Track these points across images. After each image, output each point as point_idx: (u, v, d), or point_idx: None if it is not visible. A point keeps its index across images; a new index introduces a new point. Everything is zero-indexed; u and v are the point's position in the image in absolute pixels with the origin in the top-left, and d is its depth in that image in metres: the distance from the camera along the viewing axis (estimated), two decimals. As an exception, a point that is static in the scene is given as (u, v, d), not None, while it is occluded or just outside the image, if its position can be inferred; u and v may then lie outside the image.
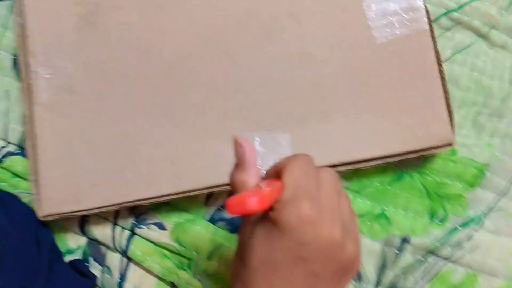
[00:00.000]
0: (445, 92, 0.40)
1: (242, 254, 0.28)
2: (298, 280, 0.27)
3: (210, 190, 0.39)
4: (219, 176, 0.38)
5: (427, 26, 0.40)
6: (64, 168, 0.39)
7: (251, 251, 0.27)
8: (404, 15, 0.40)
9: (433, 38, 0.40)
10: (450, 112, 0.40)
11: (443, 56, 0.43)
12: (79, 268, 0.41)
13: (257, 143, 0.39)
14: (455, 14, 0.43)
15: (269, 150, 0.39)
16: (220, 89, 0.40)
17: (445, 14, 0.43)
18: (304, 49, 0.40)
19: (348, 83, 0.40)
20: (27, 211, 0.40)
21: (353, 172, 0.41)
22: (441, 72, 0.40)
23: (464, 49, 0.43)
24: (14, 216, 0.39)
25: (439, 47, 0.43)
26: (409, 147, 0.39)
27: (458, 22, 0.43)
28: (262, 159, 0.39)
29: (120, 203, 0.39)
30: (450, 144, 0.39)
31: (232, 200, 0.24)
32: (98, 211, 0.39)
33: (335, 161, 0.39)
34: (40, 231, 0.40)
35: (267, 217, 0.27)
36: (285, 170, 0.27)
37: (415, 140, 0.39)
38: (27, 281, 0.36)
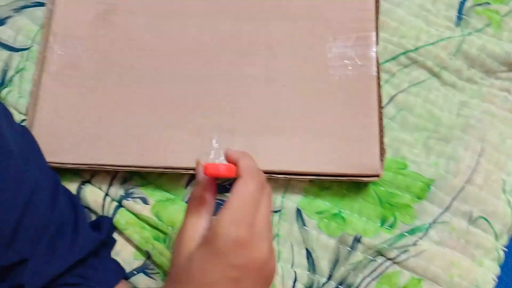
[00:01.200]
0: (381, 131, 0.47)
1: (179, 278, 0.32)
2: None
3: (169, 170, 0.45)
4: (177, 159, 0.45)
5: (375, 74, 0.48)
6: (54, 126, 0.47)
7: (189, 275, 0.31)
8: (358, 61, 0.49)
9: (379, 84, 0.48)
10: (382, 149, 0.46)
11: (401, 88, 0.51)
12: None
13: (214, 140, 0.46)
14: (412, 54, 0.51)
15: (221, 148, 0.46)
16: (195, 92, 0.48)
17: (404, 53, 0.51)
18: (271, 73, 0.48)
19: (301, 107, 0.47)
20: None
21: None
22: (380, 113, 0.47)
23: (419, 83, 0.51)
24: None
25: (397, 81, 0.51)
26: (341, 170, 0.45)
27: (414, 61, 0.51)
28: (215, 154, 0.46)
29: (91, 164, 0.45)
30: (377, 175, 0.45)
31: (210, 164, 0.32)
32: (71, 166, 0.46)
33: (276, 169, 0.45)
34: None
35: (205, 240, 0.31)
36: (240, 174, 0.33)
37: (348, 166, 0.45)
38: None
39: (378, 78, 0.48)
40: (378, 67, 0.48)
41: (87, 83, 0.49)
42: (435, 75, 0.51)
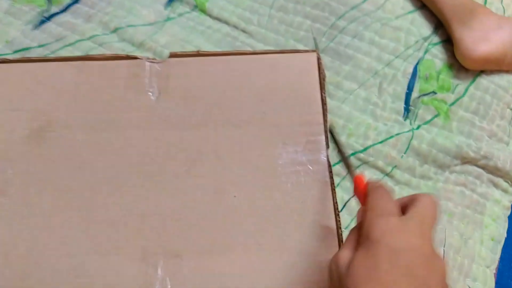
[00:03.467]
0: (340, 241, 0.43)
1: (341, 284, 0.31)
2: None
3: None
4: None
5: (328, 179, 0.45)
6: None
7: (352, 273, 0.30)
8: (310, 166, 0.45)
9: (333, 190, 0.45)
10: None
11: (353, 192, 0.47)
12: None
13: (160, 267, 0.41)
14: (361, 155, 0.49)
15: (169, 276, 0.41)
16: (138, 210, 0.43)
17: (353, 154, 0.49)
18: (220, 183, 0.44)
19: (255, 220, 0.43)
20: None
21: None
22: (337, 221, 0.44)
23: (372, 185, 0.48)
24: None
25: (348, 184, 0.48)
26: None
27: (364, 162, 0.49)
28: (160, 285, 0.40)
29: None
30: None
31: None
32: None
33: None
34: None
35: (361, 238, 0.31)
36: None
37: (309, 283, 0.41)
38: None
39: (332, 183, 0.45)
40: (330, 172, 0.46)
41: (16, 210, 0.43)
42: (388, 175, 0.49)
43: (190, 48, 0.53)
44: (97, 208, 0.43)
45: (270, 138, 0.47)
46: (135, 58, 0.48)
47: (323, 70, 0.48)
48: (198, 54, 0.49)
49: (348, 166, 0.44)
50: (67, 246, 0.42)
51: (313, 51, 0.49)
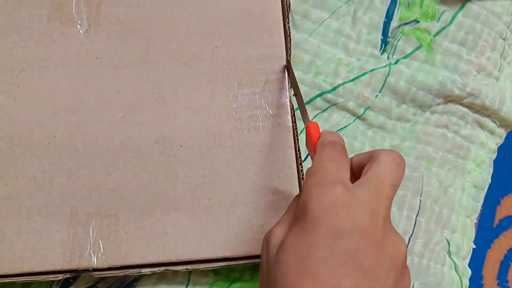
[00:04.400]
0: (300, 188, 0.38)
1: (270, 270, 0.25)
2: (348, 282, 0.22)
3: (32, 278, 0.35)
4: (42, 261, 0.35)
5: (290, 124, 0.39)
6: None
7: (283, 267, 0.24)
8: (269, 110, 0.39)
9: (295, 136, 0.39)
10: None
11: (320, 137, 0.42)
12: None
13: (91, 227, 0.36)
14: (330, 96, 0.42)
15: (102, 238, 0.36)
16: (64, 165, 0.37)
17: (320, 95, 0.42)
18: (164, 132, 0.38)
19: (203, 173, 0.38)
20: None
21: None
22: (299, 172, 0.38)
23: (341, 129, 0.42)
24: None
25: (315, 128, 0.42)
26: (259, 251, 0.36)
27: (333, 103, 0.43)
28: (93, 248, 0.35)
29: None
30: None
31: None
32: None
33: (173, 258, 0.36)
34: None
35: (294, 219, 0.25)
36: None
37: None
38: None
39: (295, 128, 0.39)
40: (293, 116, 0.40)
41: None
42: (360, 117, 0.43)
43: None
44: (14, 161, 0.37)
45: (222, 77, 0.40)
46: None
47: (289, 1, 0.41)
48: None
49: (303, 111, 0.36)
50: None
51: None
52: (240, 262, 0.37)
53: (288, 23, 0.41)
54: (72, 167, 0.37)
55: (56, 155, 0.37)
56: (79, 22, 0.39)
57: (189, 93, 0.39)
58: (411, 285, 0.39)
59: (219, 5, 0.41)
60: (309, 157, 0.42)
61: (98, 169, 0.37)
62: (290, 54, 0.40)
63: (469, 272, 0.43)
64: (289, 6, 0.42)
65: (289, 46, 0.41)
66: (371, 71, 0.43)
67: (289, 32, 0.41)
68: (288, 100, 0.40)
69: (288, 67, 0.40)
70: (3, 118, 0.38)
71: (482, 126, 0.44)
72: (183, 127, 0.38)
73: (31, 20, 0.39)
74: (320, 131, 0.30)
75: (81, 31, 0.39)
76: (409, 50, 0.45)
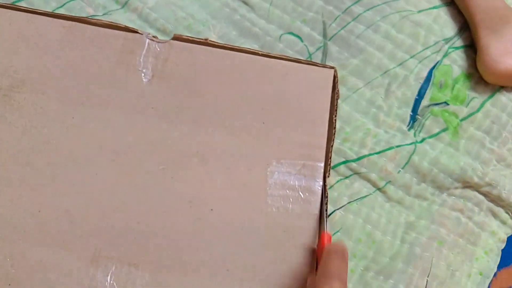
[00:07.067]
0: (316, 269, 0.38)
1: None
2: None
3: None
4: None
5: (317, 212, 0.39)
6: None
7: None
8: (301, 194, 0.40)
9: (321, 224, 0.39)
10: None
11: (339, 204, 0.43)
12: None
13: (110, 272, 0.36)
14: (354, 164, 0.44)
15: (119, 285, 0.36)
16: (99, 203, 0.38)
17: (344, 162, 0.44)
18: (199, 192, 0.39)
19: (228, 241, 0.38)
20: None
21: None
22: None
23: (360, 199, 0.44)
24: None
25: (335, 194, 0.43)
26: None
27: (356, 172, 0.44)
28: None
29: None
30: None
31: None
32: None
33: None
34: None
35: None
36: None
37: None
38: None
39: (323, 216, 0.39)
40: (326, 203, 0.39)
41: None
42: (380, 189, 0.44)
43: (181, 15, 0.47)
44: (53, 191, 0.38)
45: (264, 153, 0.40)
46: (135, 31, 0.41)
47: (338, 90, 0.42)
48: (205, 43, 0.41)
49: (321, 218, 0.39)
50: (7, 229, 0.36)
51: (331, 67, 0.42)
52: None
53: (335, 116, 0.41)
54: (105, 207, 0.38)
55: (93, 191, 0.38)
56: (144, 71, 0.41)
57: (230, 161, 0.40)
58: None
59: (274, 85, 0.42)
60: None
61: (129, 215, 0.38)
62: (332, 146, 0.41)
63: None
64: (338, 99, 0.42)
65: (332, 138, 0.41)
66: (397, 146, 0.44)
67: (335, 125, 0.41)
68: (320, 188, 0.40)
69: (327, 159, 0.40)
70: (51, 145, 0.39)
71: (495, 215, 0.46)
72: (217, 192, 0.39)
73: (101, 57, 0.41)
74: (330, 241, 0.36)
75: (144, 80, 0.41)
76: (436, 130, 0.46)
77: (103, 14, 0.45)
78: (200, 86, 0.41)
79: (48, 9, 0.43)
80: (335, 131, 0.41)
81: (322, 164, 0.40)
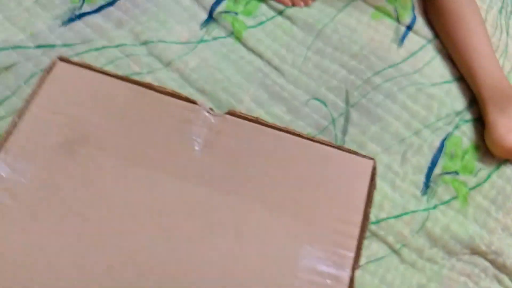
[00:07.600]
0: None
1: None
2: None
3: None
4: None
5: None
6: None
7: None
8: (328, 281, 0.41)
9: None
10: None
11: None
12: None
13: None
14: (373, 227, 0.47)
15: None
16: (138, 260, 0.39)
17: (364, 224, 0.47)
18: (229, 263, 0.40)
19: None
20: None
21: None
22: None
23: (378, 260, 0.46)
24: None
25: (354, 254, 0.46)
26: None
27: (374, 234, 0.47)
28: None
29: None
30: None
31: None
32: None
33: None
34: None
35: None
36: None
37: None
38: None
39: None
40: None
41: (18, 218, 0.39)
42: (395, 251, 0.47)
43: (219, 77, 0.51)
44: (96, 243, 0.40)
45: (297, 234, 0.42)
46: (194, 103, 0.44)
47: (375, 182, 0.43)
48: (256, 121, 0.45)
49: None
50: (54, 272, 0.38)
51: (371, 158, 0.44)
52: None
53: (370, 207, 0.43)
54: (143, 264, 0.39)
55: (133, 248, 0.40)
56: (197, 139, 0.44)
57: (264, 238, 0.41)
58: None
59: (314, 169, 0.44)
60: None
61: (164, 274, 0.39)
62: (363, 237, 0.42)
63: None
64: (374, 190, 0.43)
65: (365, 230, 0.42)
66: (412, 212, 0.48)
67: (369, 216, 0.42)
68: (348, 278, 0.40)
69: (358, 249, 0.41)
70: (103, 200, 0.41)
71: (499, 282, 0.49)
72: (247, 267, 0.41)
73: (160, 122, 0.44)
74: None
75: (196, 147, 0.43)
76: (447, 197, 0.50)
77: (148, 72, 0.49)
78: (246, 161, 0.43)
79: (98, 65, 0.46)
80: (368, 222, 0.42)
81: (353, 254, 0.41)
